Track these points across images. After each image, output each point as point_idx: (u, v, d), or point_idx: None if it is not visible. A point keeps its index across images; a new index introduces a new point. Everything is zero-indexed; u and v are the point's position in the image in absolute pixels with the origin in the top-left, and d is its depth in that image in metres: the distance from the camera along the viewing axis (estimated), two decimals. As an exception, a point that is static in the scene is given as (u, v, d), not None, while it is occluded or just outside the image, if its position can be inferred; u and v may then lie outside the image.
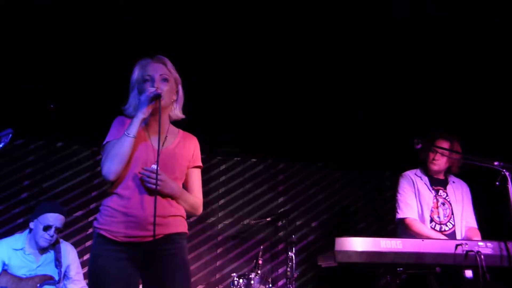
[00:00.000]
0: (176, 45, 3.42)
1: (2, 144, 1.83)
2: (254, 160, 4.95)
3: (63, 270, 3.13)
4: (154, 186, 2.00)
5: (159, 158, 2.04)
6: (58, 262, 3.12)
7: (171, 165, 2.11)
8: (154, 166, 2.02)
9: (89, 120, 4.39)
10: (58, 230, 3.14)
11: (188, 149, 2.24)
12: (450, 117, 4.13)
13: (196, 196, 2.25)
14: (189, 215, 2.23)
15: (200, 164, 2.30)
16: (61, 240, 3.28)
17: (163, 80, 2.17)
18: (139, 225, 2.00)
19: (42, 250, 3.15)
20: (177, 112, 2.26)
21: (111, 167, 2.02)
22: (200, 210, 2.26)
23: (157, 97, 2.07)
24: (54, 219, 3.11)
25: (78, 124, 4.46)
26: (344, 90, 4.01)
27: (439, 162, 3.19)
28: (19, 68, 3.76)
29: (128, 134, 2.04)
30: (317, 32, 3.25)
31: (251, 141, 4.75)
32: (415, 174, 3.27)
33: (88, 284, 2.06)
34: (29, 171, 4.53)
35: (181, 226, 2.14)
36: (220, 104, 4.24)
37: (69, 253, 3.24)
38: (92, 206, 4.56)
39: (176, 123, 2.33)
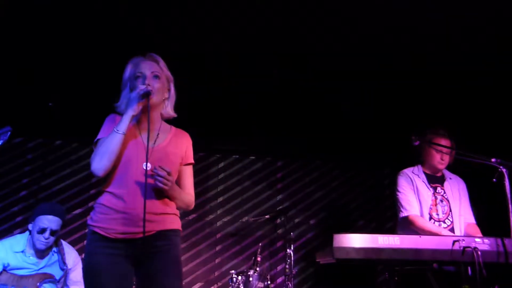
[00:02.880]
0: (176, 44, 3.43)
1: (1, 142, 1.83)
2: (253, 157, 4.95)
3: (66, 271, 3.12)
4: (166, 187, 2.04)
5: (150, 155, 2.06)
6: (63, 263, 3.10)
7: (163, 163, 2.09)
8: (165, 170, 2.03)
9: (87, 118, 4.38)
10: (53, 232, 3.07)
11: (181, 146, 2.24)
12: (448, 115, 4.14)
13: (188, 193, 2.26)
14: (186, 212, 2.22)
15: (192, 161, 2.29)
16: (64, 242, 3.25)
17: (154, 77, 2.16)
18: (131, 221, 2.01)
19: (41, 253, 3.11)
20: (168, 110, 2.25)
21: (99, 163, 2.05)
22: (192, 205, 2.27)
23: (147, 94, 2.07)
24: (49, 221, 3.05)
25: (77, 122, 4.45)
26: (343, 88, 4.03)
27: (445, 162, 3.20)
28: (18, 66, 3.76)
29: (118, 130, 2.05)
30: (316, 31, 3.26)
31: (250, 139, 4.76)
32: (413, 172, 3.27)
33: (84, 280, 2.08)
34: (28, 169, 4.53)
35: (174, 223, 2.15)
36: (218, 102, 4.24)
37: (71, 256, 3.21)
38: (90, 204, 4.56)
39: (175, 120, 2.32)
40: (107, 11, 3.09)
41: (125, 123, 2.06)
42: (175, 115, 2.27)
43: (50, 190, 4.50)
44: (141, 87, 2.07)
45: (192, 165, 2.30)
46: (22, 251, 3.08)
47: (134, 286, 2.14)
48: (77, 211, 4.51)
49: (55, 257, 3.15)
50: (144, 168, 2.04)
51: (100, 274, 1.99)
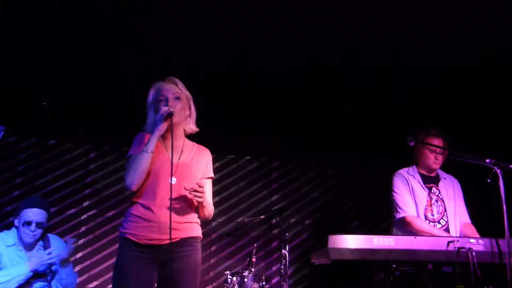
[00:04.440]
0: (176, 45, 3.43)
1: (-6, 141, 1.81)
2: (248, 157, 4.95)
3: (53, 258, 3.08)
4: (201, 199, 2.33)
5: (175, 170, 2.34)
6: (47, 249, 3.10)
7: (188, 177, 2.38)
8: (200, 185, 2.32)
9: (82, 118, 4.38)
10: (39, 225, 3.12)
11: (202, 162, 2.51)
12: (443, 115, 4.15)
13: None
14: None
15: (213, 175, 2.57)
16: (51, 236, 3.26)
17: (175, 99, 2.43)
18: (159, 229, 2.29)
19: (29, 246, 3.13)
20: (191, 126, 2.52)
21: (133, 180, 2.31)
22: (212, 215, 2.52)
23: (170, 115, 2.31)
24: (34, 214, 3.10)
25: (71, 122, 4.44)
26: (339, 88, 4.02)
27: (439, 161, 3.21)
28: (12, 65, 3.74)
29: (147, 150, 2.31)
30: (313, 30, 3.26)
31: (245, 139, 4.75)
32: (408, 172, 3.27)
33: (112, 278, 2.33)
34: (21, 168, 4.51)
35: (196, 231, 2.42)
36: (214, 102, 4.23)
37: (58, 247, 3.19)
38: (85, 204, 4.54)
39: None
40: (101, 9, 3.08)
41: (153, 142, 2.32)
42: (198, 130, 2.54)
43: (43, 190, 4.48)
44: (164, 109, 2.32)
45: (211, 179, 2.57)
46: (14, 245, 3.12)
47: None
48: (71, 211, 4.49)
49: (40, 245, 3.17)
50: (170, 182, 2.31)
51: (127, 272, 2.26)
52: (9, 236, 3.15)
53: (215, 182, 4.79)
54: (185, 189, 2.31)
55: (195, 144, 2.56)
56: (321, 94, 4.13)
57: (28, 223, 3.09)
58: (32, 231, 3.09)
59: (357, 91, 4.04)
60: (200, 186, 2.30)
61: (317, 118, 4.49)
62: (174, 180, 2.33)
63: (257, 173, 4.92)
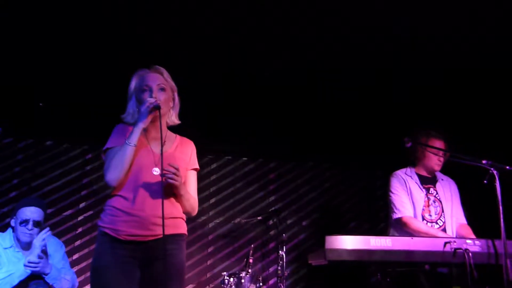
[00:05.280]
0: (176, 45, 3.43)
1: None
2: (245, 158, 4.94)
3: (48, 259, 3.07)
4: (177, 182, 2.16)
5: (158, 161, 2.17)
6: (44, 253, 3.08)
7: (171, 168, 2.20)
8: (174, 166, 2.15)
9: (78, 119, 4.37)
10: (36, 223, 3.10)
11: (186, 152, 2.37)
12: (440, 116, 4.16)
13: (193, 196, 2.36)
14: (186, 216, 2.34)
15: (197, 166, 2.43)
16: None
17: (160, 90, 2.29)
18: (141, 224, 2.12)
19: (27, 245, 3.11)
20: (173, 119, 2.38)
21: (114, 174, 2.15)
22: (196, 210, 2.37)
23: (156, 108, 2.18)
24: (31, 212, 3.09)
25: (68, 123, 4.43)
26: (336, 89, 4.03)
27: (442, 163, 3.22)
28: (8, 65, 3.73)
29: (129, 143, 2.16)
30: (312, 30, 3.26)
31: (242, 140, 4.75)
32: (405, 173, 3.28)
33: (90, 280, 2.15)
34: (18, 169, 4.48)
35: (181, 228, 2.27)
36: (210, 103, 4.23)
37: (52, 244, 3.18)
38: (81, 205, 4.53)
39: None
40: (96, 10, 3.07)
41: (136, 135, 2.17)
42: (179, 122, 2.40)
43: (40, 191, 4.46)
44: (150, 101, 2.18)
45: (196, 171, 2.42)
46: (11, 246, 3.10)
47: None
48: (68, 213, 4.47)
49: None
50: (154, 173, 2.19)
51: (107, 273, 2.08)
52: (5, 238, 3.13)
53: (212, 184, 4.80)
54: (162, 174, 2.13)
55: (178, 136, 2.44)
56: (319, 95, 4.14)
57: (25, 222, 3.07)
58: (29, 230, 3.07)
59: (357, 91, 4.04)
60: (176, 169, 2.14)
61: (315, 119, 4.49)
62: (157, 170, 2.19)
63: (254, 174, 4.91)
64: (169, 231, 2.14)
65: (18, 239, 3.11)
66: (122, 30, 3.28)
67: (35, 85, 4.01)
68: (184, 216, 2.31)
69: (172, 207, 2.23)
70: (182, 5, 3.02)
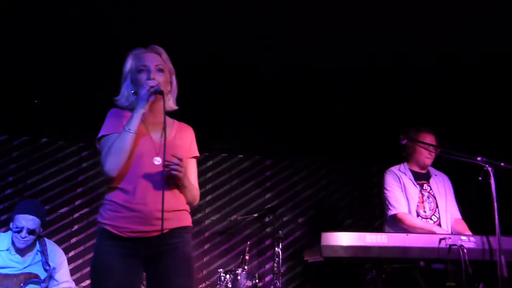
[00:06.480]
0: (175, 46, 3.41)
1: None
2: (241, 156, 4.94)
3: (50, 271, 3.08)
4: (181, 174, 2.00)
5: (160, 150, 2.02)
6: (47, 264, 3.07)
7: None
8: (177, 157, 1.99)
9: (74, 116, 4.35)
10: (31, 232, 3.04)
11: (185, 139, 2.20)
12: (435, 114, 4.17)
13: (194, 186, 2.21)
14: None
15: (197, 154, 2.25)
16: (48, 241, 3.22)
17: (158, 71, 2.10)
18: (144, 220, 1.96)
19: (22, 251, 3.08)
20: (170, 103, 2.19)
21: (114, 163, 1.96)
22: (198, 200, 2.21)
23: (158, 92, 2.01)
24: (25, 220, 3.01)
25: (63, 120, 4.41)
26: (333, 88, 4.03)
27: (432, 157, 3.24)
28: (3, 64, 3.71)
29: (130, 130, 1.98)
30: (312, 30, 3.26)
31: (238, 137, 4.75)
32: (399, 169, 3.29)
33: (91, 279, 2.01)
34: (13, 167, 4.47)
35: (186, 220, 2.11)
36: (207, 100, 4.23)
37: (56, 255, 3.18)
38: (77, 202, 4.52)
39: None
40: (90, 7, 3.06)
41: (136, 121, 1.99)
42: (177, 108, 2.21)
43: (35, 188, 4.45)
44: (151, 84, 2.00)
45: (196, 159, 2.25)
46: (7, 249, 3.06)
47: (142, 286, 2.10)
48: (63, 210, 4.46)
49: (39, 257, 3.13)
50: (155, 163, 2.01)
51: (109, 273, 1.93)
52: (3, 240, 3.10)
53: (208, 181, 4.80)
54: (164, 165, 1.97)
55: (175, 121, 2.24)
56: (317, 94, 4.14)
57: (20, 230, 3.01)
58: (23, 238, 3.02)
59: (356, 91, 4.05)
60: (180, 160, 1.97)
61: (312, 117, 4.50)
62: (158, 160, 2.02)
63: (250, 172, 4.92)
64: (173, 224, 2.02)
65: (13, 243, 3.07)
66: (121, 29, 3.27)
67: (30, 83, 3.99)
68: (188, 208, 2.14)
69: (176, 199, 2.06)
70: (182, 5, 3.01)
